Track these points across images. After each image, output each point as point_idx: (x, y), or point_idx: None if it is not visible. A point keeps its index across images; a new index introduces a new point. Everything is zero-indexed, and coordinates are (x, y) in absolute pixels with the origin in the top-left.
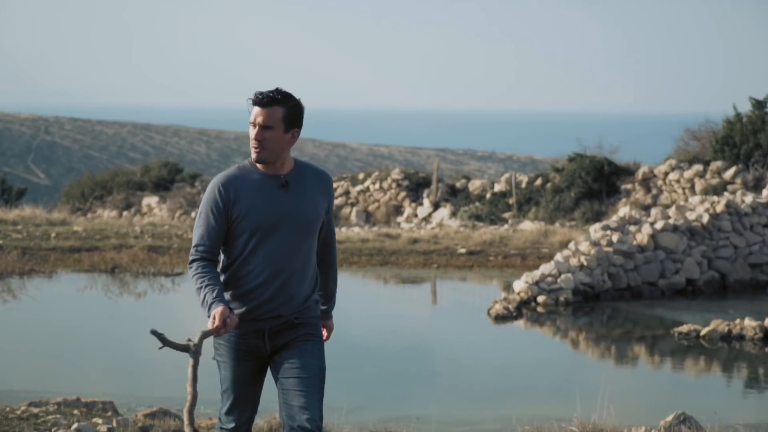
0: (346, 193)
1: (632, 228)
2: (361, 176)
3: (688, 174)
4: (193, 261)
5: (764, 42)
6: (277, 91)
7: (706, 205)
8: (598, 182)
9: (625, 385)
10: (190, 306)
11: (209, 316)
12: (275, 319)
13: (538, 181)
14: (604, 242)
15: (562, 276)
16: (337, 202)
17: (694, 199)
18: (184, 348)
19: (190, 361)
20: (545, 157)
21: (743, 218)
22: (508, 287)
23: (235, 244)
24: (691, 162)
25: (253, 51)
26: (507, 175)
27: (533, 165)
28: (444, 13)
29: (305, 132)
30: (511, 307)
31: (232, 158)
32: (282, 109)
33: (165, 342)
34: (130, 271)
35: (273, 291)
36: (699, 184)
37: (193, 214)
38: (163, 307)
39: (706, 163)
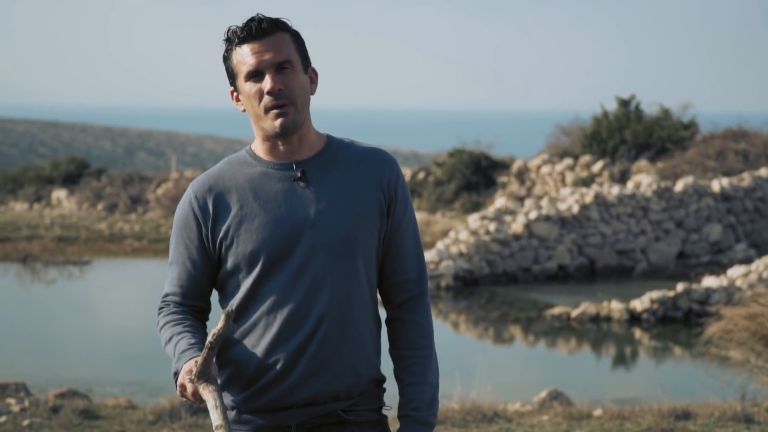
0: None
1: (508, 218)
2: None
3: (559, 167)
4: (159, 311)
5: (627, 47)
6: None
7: (576, 196)
8: (476, 175)
9: (502, 363)
10: (97, 293)
11: (175, 382)
12: (307, 408)
13: (421, 174)
14: (482, 231)
15: (443, 263)
16: None
17: (565, 191)
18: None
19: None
20: (428, 152)
21: (610, 208)
22: None
23: (226, 286)
24: (561, 156)
25: (158, 52)
26: None
27: (416, 159)
28: (321, 11)
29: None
30: None
31: (136, 154)
32: (289, 37)
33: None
34: (40, 260)
35: (291, 355)
36: (569, 177)
37: (99, 206)
38: (72, 294)
39: (576, 158)
